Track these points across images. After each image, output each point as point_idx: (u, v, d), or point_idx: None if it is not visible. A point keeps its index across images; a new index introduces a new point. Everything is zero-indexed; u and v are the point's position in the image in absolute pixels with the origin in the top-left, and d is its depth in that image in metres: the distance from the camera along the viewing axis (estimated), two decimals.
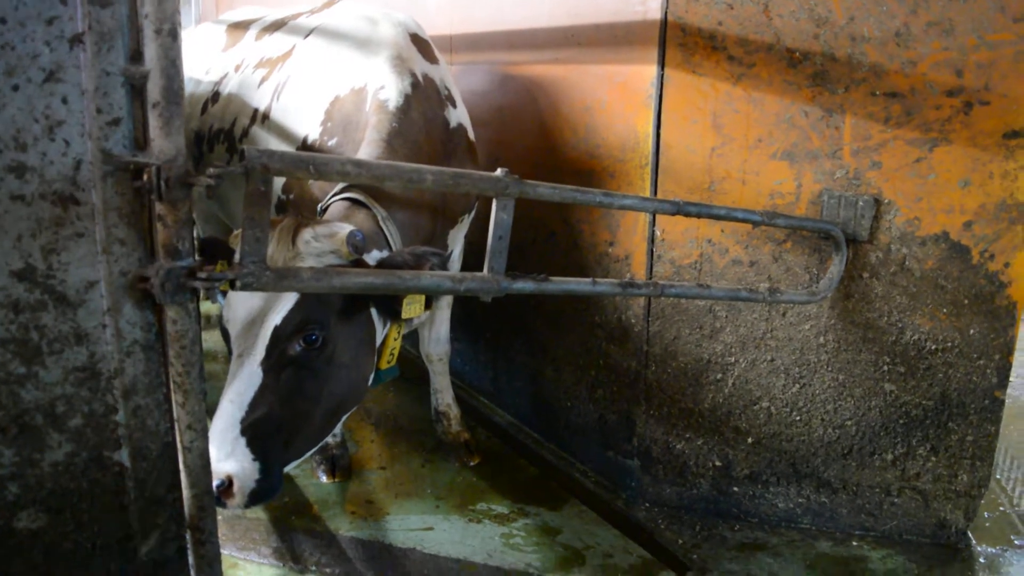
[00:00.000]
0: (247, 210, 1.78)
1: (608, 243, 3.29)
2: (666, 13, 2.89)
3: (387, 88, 2.95)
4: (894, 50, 2.75)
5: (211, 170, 1.70)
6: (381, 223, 2.56)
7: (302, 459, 2.48)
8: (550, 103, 3.50)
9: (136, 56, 1.67)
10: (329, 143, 2.99)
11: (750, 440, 3.20)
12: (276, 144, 3.29)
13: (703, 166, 2.98)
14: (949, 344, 2.96)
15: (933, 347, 2.98)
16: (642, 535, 3.18)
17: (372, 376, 2.61)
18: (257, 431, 2.24)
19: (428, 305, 2.46)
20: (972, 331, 2.93)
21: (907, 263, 2.92)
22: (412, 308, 2.40)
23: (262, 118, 3.47)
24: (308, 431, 2.39)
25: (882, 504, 3.16)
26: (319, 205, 2.69)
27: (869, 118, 2.82)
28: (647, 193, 3.05)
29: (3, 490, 1.68)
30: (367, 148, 2.73)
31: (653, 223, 3.09)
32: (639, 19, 2.98)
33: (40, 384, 1.70)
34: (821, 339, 3.06)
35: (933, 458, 3.09)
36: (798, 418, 3.14)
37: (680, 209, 2.45)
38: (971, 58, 2.70)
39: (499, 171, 2.12)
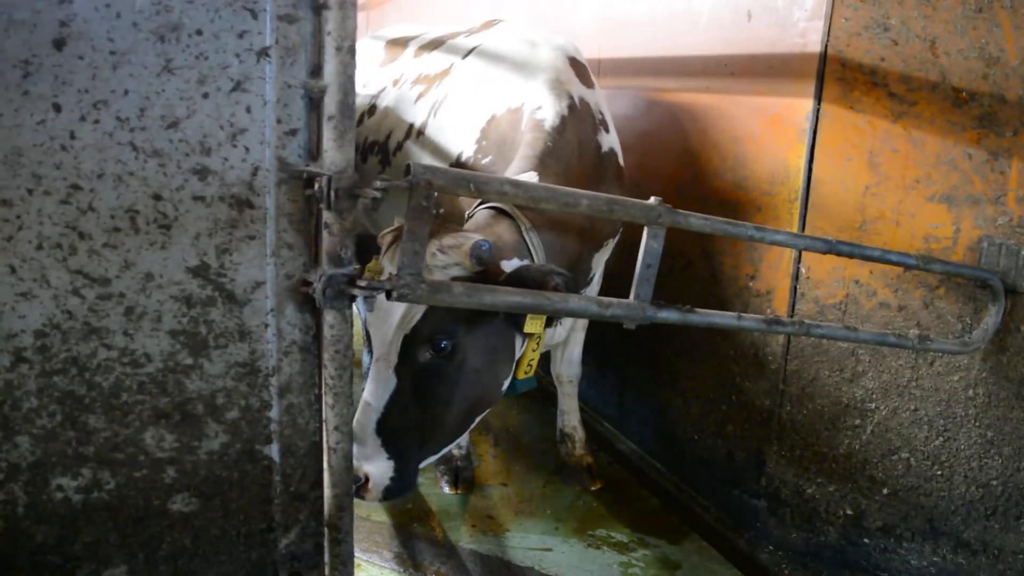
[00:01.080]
0: (409, 223, 1.81)
1: (750, 277, 3.20)
2: (826, 47, 2.79)
3: (544, 108, 2.96)
4: None
5: (378, 183, 1.74)
6: (524, 234, 2.57)
7: (435, 457, 2.58)
8: (697, 132, 3.44)
9: (316, 71, 1.73)
10: (483, 161, 3.02)
11: (886, 491, 3.03)
12: (429, 159, 3.35)
13: (855, 204, 2.86)
14: None
15: None
16: None
17: (508, 383, 2.63)
18: (392, 431, 2.36)
19: (549, 323, 2.47)
20: None
21: None
22: (535, 324, 2.40)
23: (417, 133, 3.54)
24: (440, 432, 2.48)
25: None
26: (466, 212, 2.72)
27: None
28: (795, 228, 2.95)
29: (161, 472, 1.76)
30: (519, 163, 2.74)
31: (799, 260, 2.98)
32: (797, 51, 2.90)
33: (204, 375, 1.76)
34: (970, 392, 2.88)
35: None
36: (939, 472, 2.96)
37: (832, 248, 2.35)
38: None
39: (652, 199, 2.09)
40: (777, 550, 3.19)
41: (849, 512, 3.10)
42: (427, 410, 2.41)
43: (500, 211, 2.60)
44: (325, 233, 1.75)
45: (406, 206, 1.81)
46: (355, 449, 2.21)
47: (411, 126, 3.61)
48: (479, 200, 2.68)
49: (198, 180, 1.67)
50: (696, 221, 2.14)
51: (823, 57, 2.81)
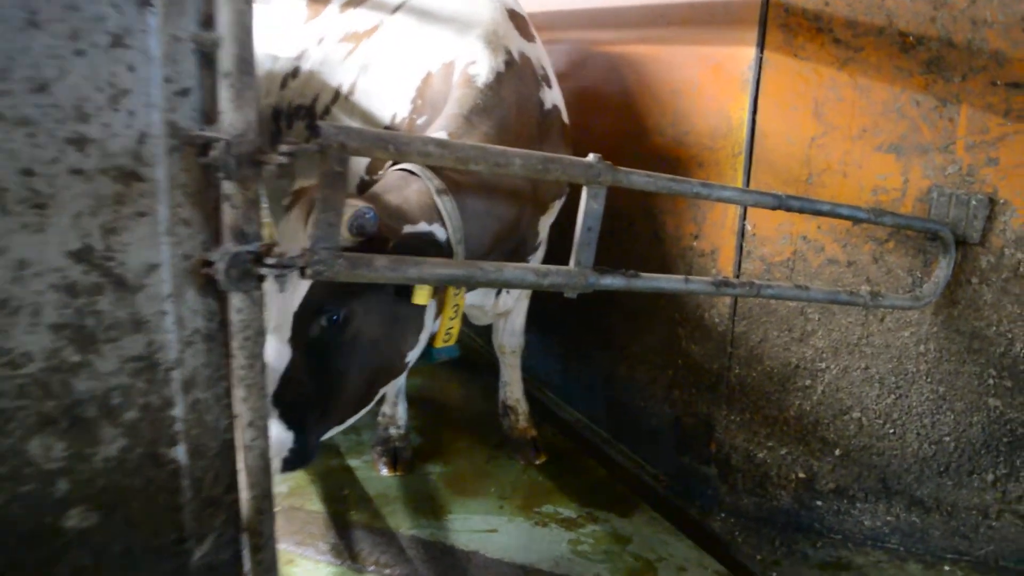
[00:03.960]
0: (322, 191, 1.63)
1: (693, 236, 3.08)
2: None
3: (478, 64, 2.78)
4: (1019, 36, 2.49)
5: (283, 147, 1.56)
6: (434, 196, 2.40)
7: (340, 428, 2.50)
8: (635, 85, 3.30)
9: (207, 21, 1.53)
10: (419, 122, 2.83)
11: (838, 452, 2.98)
12: (360, 122, 3.14)
13: (801, 157, 2.76)
14: None
15: None
16: (718, 548, 2.99)
17: (415, 352, 2.55)
18: (289, 404, 2.27)
19: (434, 292, 2.38)
20: None
21: (1021, 269, 2.66)
22: (422, 295, 2.27)
23: (347, 94, 3.31)
24: (340, 404, 2.40)
25: (978, 527, 2.92)
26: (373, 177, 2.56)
27: (988, 110, 2.57)
28: (739, 184, 2.83)
29: (52, 486, 1.57)
30: (444, 122, 2.56)
31: (744, 217, 2.87)
32: None
33: (95, 373, 1.57)
34: (921, 347, 2.82)
35: None
36: (891, 431, 2.91)
37: (782, 203, 2.24)
38: None
39: (591, 156, 1.93)
40: (729, 517, 3.13)
41: (801, 475, 3.04)
42: (324, 382, 2.33)
43: (411, 173, 2.43)
44: (226, 206, 1.56)
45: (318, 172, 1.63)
46: None
47: (339, 87, 3.38)
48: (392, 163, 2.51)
49: (75, 151, 1.46)
50: (639, 179, 1.99)
51: (765, 3, 2.68)
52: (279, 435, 2.23)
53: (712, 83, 2.92)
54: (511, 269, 1.88)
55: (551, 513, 3.13)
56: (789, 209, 2.28)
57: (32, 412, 1.53)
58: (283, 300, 2.27)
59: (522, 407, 3.69)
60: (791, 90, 2.72)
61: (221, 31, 1.49)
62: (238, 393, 1.66)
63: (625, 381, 3.64)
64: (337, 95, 3.36)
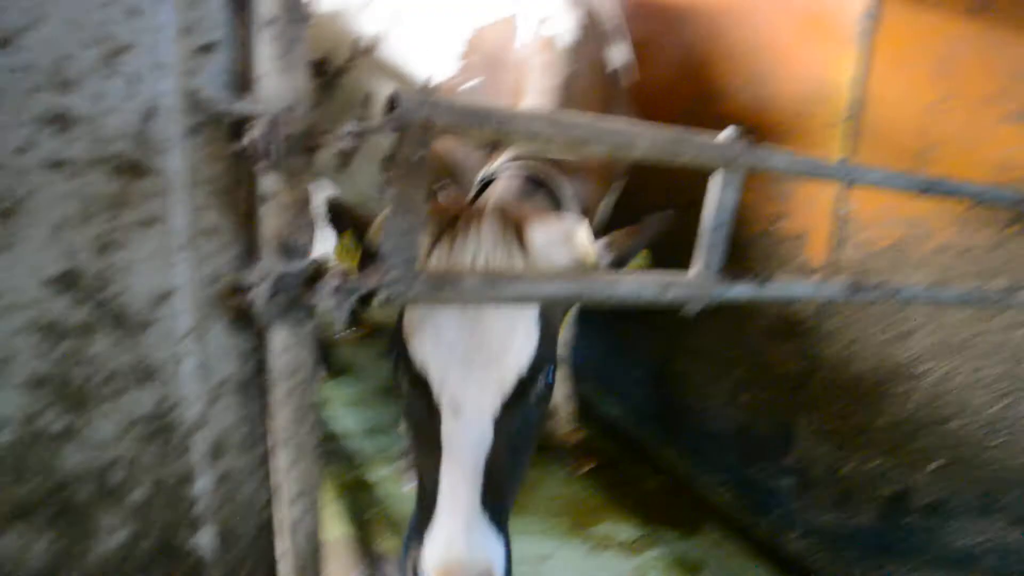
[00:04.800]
0: (398, 186, 1.18)
1: (776, 217, 2.65)
2: None
3: (555, 21, 2.30)
4: None
5: (350, 127, 1.11)
6: (566, 206, 1.95)
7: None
8: (704, 39, 2.82)
9: None
10: (470, 84, 2.35)
11: (935, 464, 2.60)
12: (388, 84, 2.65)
13: (916, 126, 2.33)
14: None
15: None
16: (796, 571, 2.62)
17: None
18: (494, 501, 1.62)
19: None
20: None
21: None
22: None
23: (372, 47, 2.79)
24: (520, 481, 1.82)
25: None
26: (480, 176, 2.03)
27: None
28: (837, 156, 2.40)
29: None
30: (535, 98, 2.08)
31: (843, 196, 2.45)
32: None
33: (87, 443, 1.14)
34: (996, 353, 2.43)
35: None
36: (999, 441, 2.53)
37: (932, 187, 1.81)
38: None
39: (728, 132, 1.49)
40: (805, 536, 2.75)
41: (892, 490, 2.67)
42: (519, 458, 1.76)
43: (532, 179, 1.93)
44: (267, 209, 1.11)
45: (391, 159, 1.18)
46: (466, 538, 1.55)
47: (360, 39, 2.86)
48: (498, 157, 1.99)
49: (54, 134, 1.01)
50: (779, 160, 1.55)
51: None
52: (500, 551, 1.58)
53: (803, 38, 2.46)
54: (626, 282, 1.44)
55: (607, 535, 2.73)
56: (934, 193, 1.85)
57: (4, 498, 1.09)
58: (479, 363, 1.66)
59: (568, 408, 3.26)
60: (912, 45, 2.29)
61: None
62: (281, 459, 1.22)
63: (680, 378, 3.23)
64: (355, 48, 2.85)
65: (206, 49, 1.05)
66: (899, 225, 2.43)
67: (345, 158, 1.13)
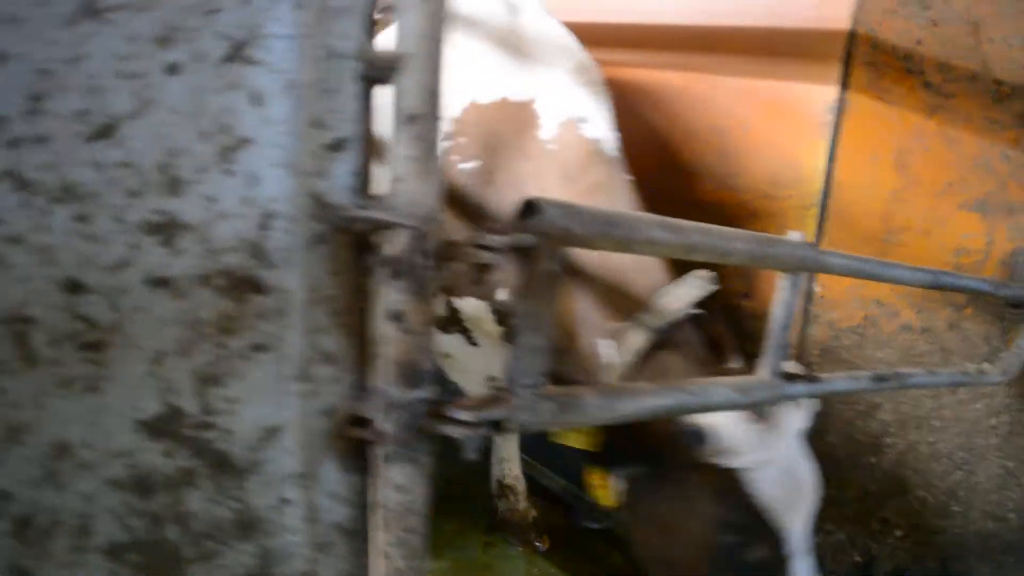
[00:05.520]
0: (526, 304, 0.98)
1: (742, 295, 2.58)
2: (855, 23, 2.20)
3: (593, 122, 2.04)
4: None
5: (493, 238, 0.91)
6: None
7: None
8: (668, 120, 2.75)
9: (372, 28, 0.87)
10: (464, 166, 2.07)
11: (899, 533, 2.55)
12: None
13: (880, 212, 2.32)
14: None
15: None
16: None
17: None
18: None
19: None
20: None
21: None
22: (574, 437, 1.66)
23: None
24: None
25: None
26: (664, 321, 1.74)
27: None
28: (809, 239, 2.35)
29: None
30: (593, 201, 1.89)
31: (811, 277, 2.40)
32: (813, 26, 2.29)
33: None
34: (993, 420, 2.44)
35: None
36: (956, 509, 2.51)
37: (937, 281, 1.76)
38: None
39: (795, 235, 1.38)
40: None
41: (858, 559, 2.60)
42: None
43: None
44: (391, 330, 0.89)
45: (517, 273, 0.99)
46: None
47: None
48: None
49: (158, 245, 0.76)
50: (838, 261, 1.45)
51: (851, 35, 2.21)
52: None
53: (771, 123, 2.43)
54: (717, 389, 1.29)
55: None
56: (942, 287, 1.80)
57: None
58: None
59: (521, 486, 3.05)
60: (874, 137, 2.28)
61: (405, 45, 0.83)
62: None
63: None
64: None
65: (335, 147, 0.84)
66: (865, 305, 2.40)
67: (481, 273, 0.93)
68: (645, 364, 1.68)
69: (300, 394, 0.88)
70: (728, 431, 1.53)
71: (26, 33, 0.65)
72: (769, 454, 1.59)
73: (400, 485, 0.94)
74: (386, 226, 0.85)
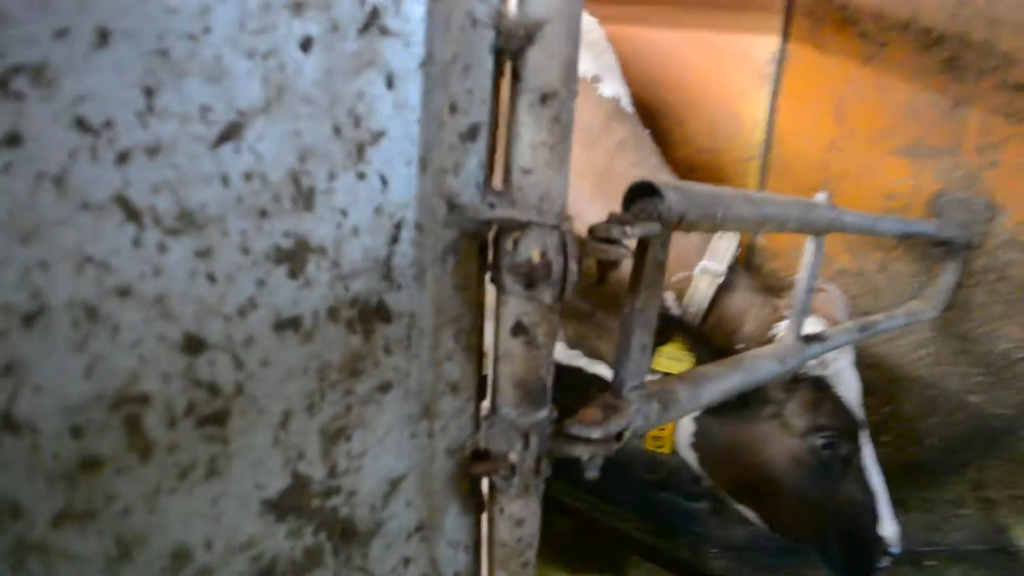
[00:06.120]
0: (637, 298, 0.85)
1: None
2: None
3: (608, 80, 1.94)
4: None
5: (632, 228, 0.77)
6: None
7: None
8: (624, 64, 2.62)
9: None
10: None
11: None
12: None
13: (819, 161, 2.31)
14: None
15: (1020, 355, 2.57)
16: None
17: None
18: None
19: None
20: None
21: (1008, 270, 2.45)
22: None
23: None
24: None
25: (949, 518, 2.75)
26: (724, 265, 1.75)
27: (995, 111, 2.29)
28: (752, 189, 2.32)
29: None
30: (631, 167, 1.76)
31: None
32: None
33: None
34: (921, 352, 2.54)
35: (1002, 466, 2.71)
36: (886, 439, 2.62)
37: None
38: None
39: (821, 196, 1.31)
40: (724, 552, 2.68)
41: None
42: None
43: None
44: (515, 343, 0.75)
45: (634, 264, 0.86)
46: None
47: None
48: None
49: (287, 277, 0.57)
50: (853, 220, 1.40)
51: None
52: None
53: (716, 74, 2.36)
54: (764, 362, 1.21)
55: None
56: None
57: None
58: None
59: None
60: (814, 87, 2.26)
61: (540, 8, 0.67)
62: None
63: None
64: None
65: (470, 135, 0.67)
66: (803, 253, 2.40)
67: (607, 270, 0.79)
68: (714, 308, 1.70)
69: (426, 434, 0.71)
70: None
71: None
72: (843, 360, 1.67)
73: (519, 519, 0.80)
74: (520, 226, 0.69)
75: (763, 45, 2.23)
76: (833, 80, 2.24)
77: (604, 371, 1.84)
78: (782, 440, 1.60)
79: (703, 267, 1.70)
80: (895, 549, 1.64)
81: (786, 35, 2.20)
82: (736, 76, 2.30)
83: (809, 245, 1.32)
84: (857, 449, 1.66)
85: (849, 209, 1.39)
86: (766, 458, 1.62)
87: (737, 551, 2.65)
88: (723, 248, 1.71)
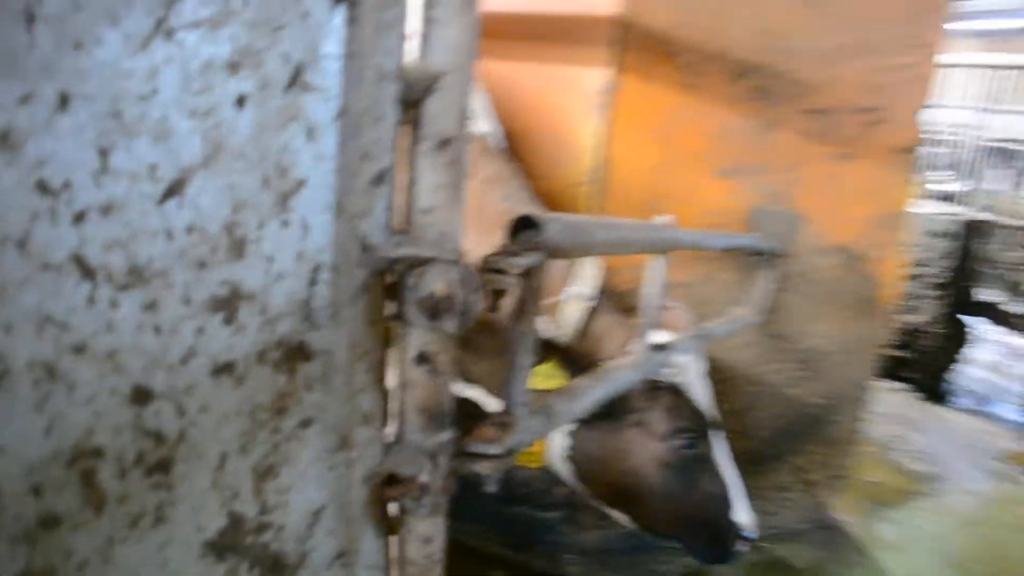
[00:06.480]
0: (519, 324, 0.93)
1: None
2: (623, 8, 2.33)
3: (479, 117, 2.05)
4: (823, 67, 2.55)
5: (519, 258, 0.86)
6: None
7: None
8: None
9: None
10: None
11: None
12: None
13: (647, 183, 2.50)
14: (840, 344, 2.90)
15: (829, 349, 2.90)
16: None
17: None
18: None
19: None
20: (857, 330, 2.90)
21: (813, 274, 2.77)
22: None
23: None
24: None
25: (777, 501, 3.03)
26: (593, 289, 1.86)
27: (798, 134, 2.59)
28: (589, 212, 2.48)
29: None
30: (501, 203, 1.82)
31: None
32: (588, 12, 2.38)
33: None
34: (742, 354, 2.79)
35: (820, 449, 3.03)
36: None
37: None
38: (878, 79, 2.60)
39: (660, 218, 1.46)
40: (582, 557, 2.81)
41: None
42: None
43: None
44: (415, 374, 0.81)
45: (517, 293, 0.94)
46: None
47: None
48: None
49: (223, 324, 0.61)
50: (687, 238, 1.56)
51: (621, 21, 2.34)
52: None
53: (554, 103, 2.50)
54: (624, 371, 1.33)
55: None
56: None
57: None
58: None
59: None
60: (642, 115, 2.44)
61: (440, 62, 0.74)
62: None
63: None
64: None
65: (378, 180, 0.72)
66: (638, 268, 2.59)
67: (498, 299, 0.86)
68: (584, 329, 1.80)
69: (343, 464, 0.75)
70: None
71: (95, 64, 0.46)
72: (696, 367, 1.84)
73: (428, 537, 0.85)
74: (423, 263, 0.75)
75: (596, 77, 2.39)
76: (659, 108, 2.43)
77: (477, 394, 1.91)
78: (647, 444, 1.73)
79: (572, 292, 1.81)
80: (750, 534, 1.80)
81: (617, 67, 2.37)
82: (573, 106, 2.45)
83: (653, 263, 1.46)
84: (711, 446, 1.83)
85: (684, 228, 1.54)
86: (634, 462, 1.74)
87: (591, 555, 2.79)
88: (589, 274, 1.83)
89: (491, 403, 1.84)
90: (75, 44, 0.45)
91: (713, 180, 2.51)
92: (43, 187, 0.45)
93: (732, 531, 1.77)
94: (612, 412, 1.68)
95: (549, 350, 1.73)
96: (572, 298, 1.77)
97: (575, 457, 1.80)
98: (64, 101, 0.45)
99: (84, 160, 0.47)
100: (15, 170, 0.44)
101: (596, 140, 2.39)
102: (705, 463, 1.80)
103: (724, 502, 1.78)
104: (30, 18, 0.43)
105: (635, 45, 2.33)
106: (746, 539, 1.78)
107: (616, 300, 1.92)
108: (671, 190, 2.47)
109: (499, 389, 0.99)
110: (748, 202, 2.57)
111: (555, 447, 1.83)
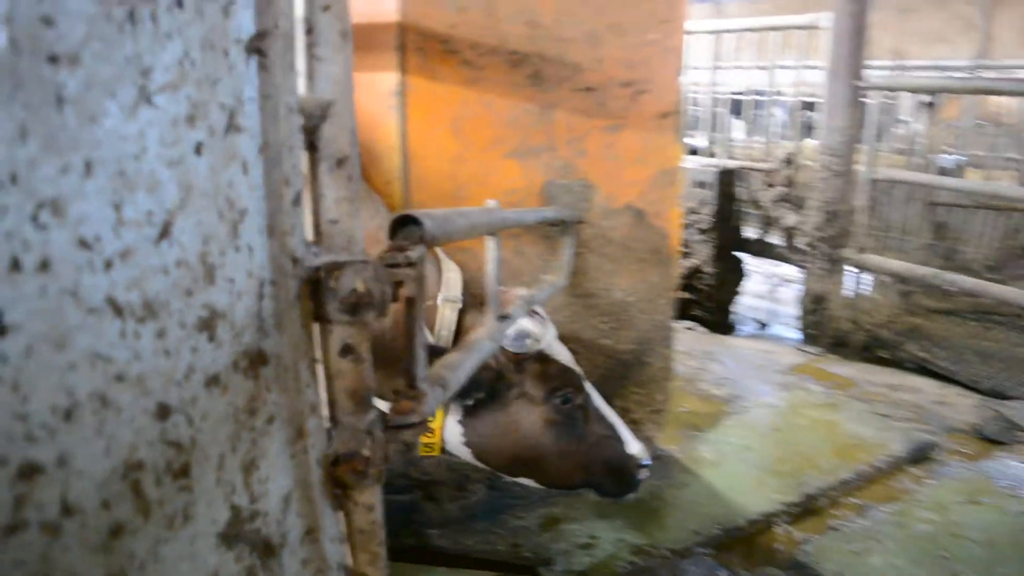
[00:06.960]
0: (414, 306, 1.08)
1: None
2: (403, 16, 2.48)
3: None
4: (588, 49, 2.84)
5: (407, 254, 1.01)
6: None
7: None
8: None
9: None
10: None
11: None
12: None
13: (448, 173, 2.68)
14: (640, 294, 3.24)
15: (631, 299, 3.23)
16: (452, 559, 2.83)
17: None
18: None
19: None
20: (653, 279, 3.26)
21: (608, 234, 3.08)
22: None
23: None
24: None
25: None
26: (459, 292, 2.05)
27: (575, 112, 2.87)
28: (398, 209, 2.62)
29: None
30: (381, 221, 1.92)
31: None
32: (371, 20, 2.51)
33: None
34: (557, 316, 3.06)
35: (638, 390, 3.37)
36: None
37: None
38: (637, 54, 2.94)
39: (490, 202, 1.65)
40: (444, 529, 2.97)
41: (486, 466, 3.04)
42: None
43: None
44: (346, 364, 0.94)
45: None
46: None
47: None
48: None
49: (207, 342, 0.72)
50: (510, 216, 1.77)
51: (399, 27, 2.49)
52: None
53: (366, 109, 2.60)
54: (486, 342, 1.50)
55: None
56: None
57: None
58: None
59: None
60: (433, 111, 2.61)
61: (329, 92, 0.88)
62: None
63: None
64: None
65: (297, 201, 0.84)
66: (457, 250, 2.77)
67: (398, 290, 1.01)
68: (458, 328, 1.96)
69: (302, 452, 0.87)
70: (532, 328, 1.93)
71: (105, 133, 0.55)
72: (551, 333, 2.08)
73: (370, 505, 0.98)
74: (339, 266, 0.88)
75: (387, 80, 2.53)
76: (447, 103, 2.61)
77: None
78: (532, 411, 1.92)
79: (443, 297, 1.97)
80: (647, 460, 2.06)
81: (403, 70, 2.52)
82: (376, 109, 2.57)
83: (489, 243, 1.63)
84: (587, 396, 2.05)
85: (506, 209, 1.73)
86: (525, 430, 1.93)
87: (454, 524, 2.96)
88: (453, 279, 2.00)
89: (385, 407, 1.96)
90: (91, 118, 0.54)
91: (506, 162, 2.73)
92: (83, 243, 0.54)
93: (630, 463, 2.00)
94: (493, 394, 1.85)
95: (435, 356, 1.88)
96: (444, 302, 1.92)
97: (471, 441, 1.96)
98: (88, 167, 0.54)
99: (106, 215, 0.56)
100: (64, 231, 0.52)
101: (396, 140, 2.52)
102: (588, 411, 2.01)
103: (617, 440, 2.01)
104: (60, 100, 0.52)
105: (416, 47, 2.48)
106: (645, 466, 2.02)
107: (476, 298, 2.09)
108: (471, 177, 2.66)
109: (397, 378, 1.12)
110: (541, 178, 2.81)
111: (452, 435, 1.97)
